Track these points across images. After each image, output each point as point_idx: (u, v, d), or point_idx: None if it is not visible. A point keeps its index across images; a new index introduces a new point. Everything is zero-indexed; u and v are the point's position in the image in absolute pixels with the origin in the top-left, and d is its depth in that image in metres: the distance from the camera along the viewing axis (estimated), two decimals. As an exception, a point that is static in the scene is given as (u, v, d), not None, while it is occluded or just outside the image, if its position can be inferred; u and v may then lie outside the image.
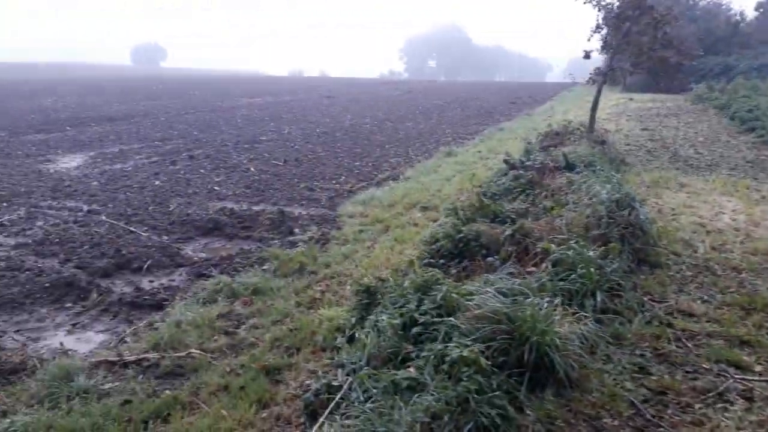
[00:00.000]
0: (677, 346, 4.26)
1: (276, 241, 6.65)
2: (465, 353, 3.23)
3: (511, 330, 3.58)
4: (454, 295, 3.92)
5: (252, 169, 10.65)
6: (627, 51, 11.35)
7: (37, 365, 4.27)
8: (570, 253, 4.67)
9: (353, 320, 4.39)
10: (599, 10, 11.97)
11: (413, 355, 3.53)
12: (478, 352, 3.23)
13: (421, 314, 3.78)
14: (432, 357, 3.38)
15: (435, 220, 7.11)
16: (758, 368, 3.93)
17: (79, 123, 17.39)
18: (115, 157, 11.70)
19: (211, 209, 8.00)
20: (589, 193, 6.06)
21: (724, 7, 34.23)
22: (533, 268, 4.69)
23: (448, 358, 3.28)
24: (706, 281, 5.45)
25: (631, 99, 25.42)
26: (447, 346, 3.43)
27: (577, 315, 4.08)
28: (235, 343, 4.45)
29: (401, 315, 3.80)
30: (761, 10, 36.45)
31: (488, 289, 3.91)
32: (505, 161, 8.79)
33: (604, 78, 12.21)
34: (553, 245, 4.86)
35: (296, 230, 7.21)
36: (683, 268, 5.78)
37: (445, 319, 3.69)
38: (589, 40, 11.89)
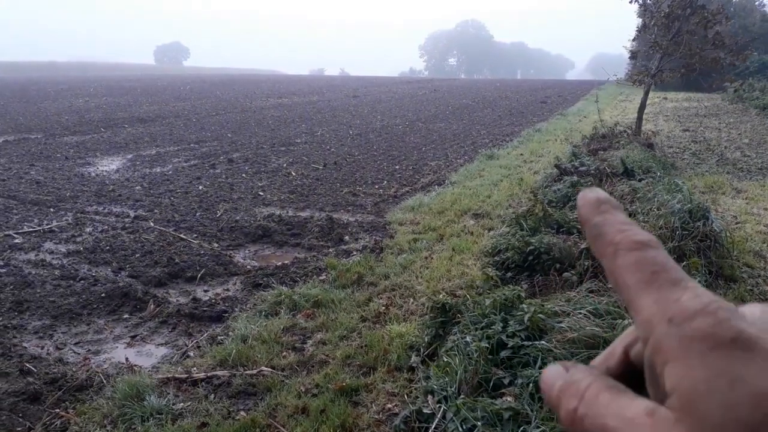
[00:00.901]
0: None
1: (330, 250, 6.51)
2: (568, 382, 3.04)
3: (609, 355, 3.38)
4: (541, 316, 3.73)
5: (293, 173, 10.54)
6: (677, 52, 11.02)
7: (103, 381, 4.19)
8: (652, 268, 4.44)
9: (427, 338, 4.23)
10: (645, 10, 11.65)
11: (505, 381, 3.36)
12: (582, 382, 3.05)
13: (508, 336, 3.61)
14: (529, 384, 3.20)
15: (490, 229, 6.92)
16: None
17: (113, 124, 17.48)
18: (153, 160, 11.68)
19: (258, 215, 7.89)
20: (658, 203, 5.81)
21: (758, 3, 33.41)
22: (613, 284, 4.48)
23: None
24: (787, 297, 5.20)
25: (665, 98, 24.93)
26: (538, 371, 3.26)
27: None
28: (305, 360, 4.31)
29: (488, 337, 3.62)
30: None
31: (580, 311, 3.72)
32: (556, 166, 8.55)
33: (653, 79, 11.89)
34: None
35: (346, 237, 7.08)
36: (759, 282, 5.53)
37: (537, 342, 3.51)
38: (634, 39, 11.55)
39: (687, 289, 0.30)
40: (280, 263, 6.40)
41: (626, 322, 3.70)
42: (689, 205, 5.69)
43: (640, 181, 7.33)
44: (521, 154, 11.82)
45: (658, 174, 7.46)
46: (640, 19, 36.65)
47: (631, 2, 12.03)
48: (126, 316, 5.24)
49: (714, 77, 16.67)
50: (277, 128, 17.25)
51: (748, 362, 0.27)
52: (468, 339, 3.66)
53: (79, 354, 4.68)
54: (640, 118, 12.20)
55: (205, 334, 4.88)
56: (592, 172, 7.73)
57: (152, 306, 5.38)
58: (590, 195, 0.36)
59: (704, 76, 18.08)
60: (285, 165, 11.33)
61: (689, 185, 9.17)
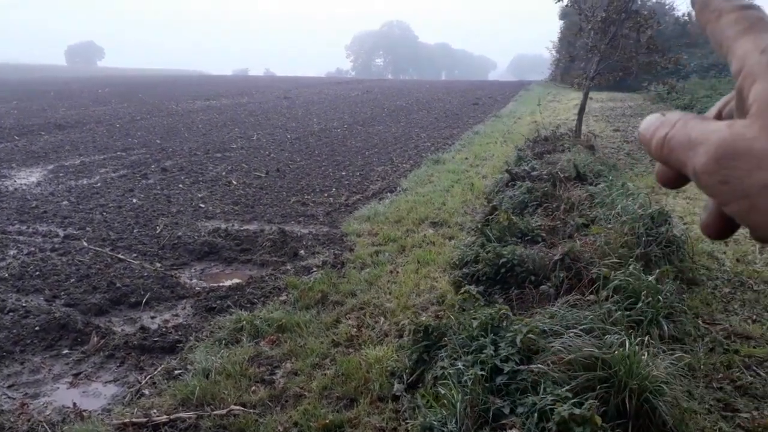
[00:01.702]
0: (751, 376, 4.06)
1: (288, 267, 6.14)
2: (577, 411, 2.89)
3: (608, 376, 3.26)
4: (531, 336, 3.57)
5: (234, 182, 10.03)
6: (614, 55, 11.33)
7: (48, 432, 3.69)
8: (631, 279, 4.40)
9: (409, 364, 3.99)
10: (581, 14, 11.91)
11: (505, 410, 3.16)
12: (594, 409, 2.90)
13: (502, 361, 3.42)
14: (532, 414, 3.02)
15: (450, 238, 6.77)
16: None
17: (27, 131, 16.15)
18: (78, 171, 10.81)
19: (202, 230, 7.39)
20: (620, 208, 5.83)
21: (668, 6, 35.28)
22: (592, 296, 4.40)
23: (555, 417, 2.92)
24: (747, 298, 5.31)
25: (591, 98, 25.77)
26: (543, 400, 3.09)
27: (648, 347, 3.81)
28: (277, 394, 3.97)
29: (481, 362, 3.42)
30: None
31: (572, 329, 3.58)
32: (507, 171, 8.53)
33: (592, 82, 12.17)
34: (606, 269, 4.58)
35: (301, 252, 6.73)
36: (718, 284, 5.64)
37: (532, 366, 3.33)
38: (571, 43, 11.76)
39: None
40: (232, 283, 5.99)
41: (616, 336, 3.59)
42: (650, 210, 5.74)
43: (592, 184, 7.39)
44: (466, 158, 11.79)
45: (610, 178, 7.55)
46: (562, 22, 37.80)
47: (567, 5, 12.26)
48: (65, 351, 4.70)
49: (648, 79, 17.37)
50: (209, 133, 16.52)
51: None
52: (460, 365, 3.45)
53: (14, 399, 4.13)
54: (580, 120, 12.48)
55: (159, 368, 4.43)
56: (545, 176, 7.74)
57: (95, 338, 4.85)
58: None
59: (640, 78, 18.85)
60: (224, 173, 10.78)
61: (633, 187, 9.41)
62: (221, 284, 6.01)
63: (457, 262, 5.59)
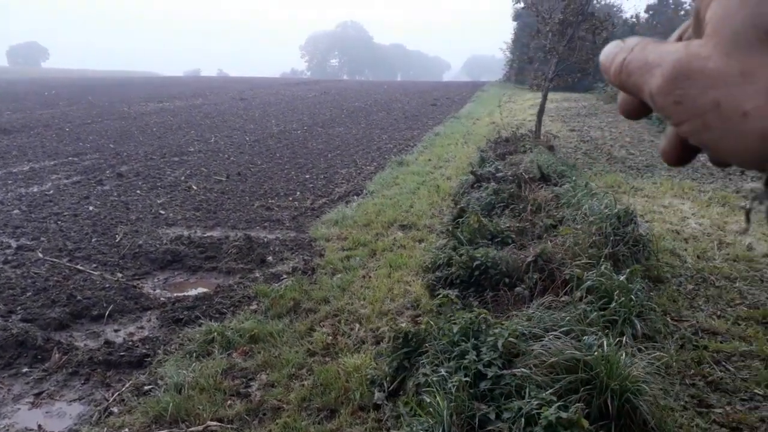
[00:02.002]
0: (721, 371, 4.17)
1: (257, 275, 6.00)
2: (564, 415, 2.89)
3: (590, 378, 3.29)
4: (512, 340, 3.57)
5: (194, 187, 9.77)
6: (572, 57, 11.56)
7: (9, 459, 3.49)
8: (603, 279, 4.47)
9: (389, 371, 3.94)
10: (538, 16, 12.11)
11: (491, 416, 3.15)
12: (580, 412, 2.91)
13: (485, 366, 3.40)
14: (519, 419, 3.01)
15: (420, 241, 6.75)
16: (811, 391, 3.90)
17: (-31, 136, 15.38)
18: (28, 178, 10.33)
19: (163, 238, 7.16)
20: (587, 208, 5.92)
21: (615, 8, 36.32)
22: (566, 297, 4.45)
23: (542, 421, 2.92)
24: (710, 294, 5.47)
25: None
26: (528, 404, 3.08)
27: (624, 346, 3.87)
28: (254, 408, 3.85)
29: (464, 368, 3.40)
30: (651, 12, 39.26)
31: (552, 332, 3.60)
32: (472, 173, 8.58)
33: (550, 83, 12.39)
34: (578, 270, 4.64)
35: (269, 258, 6.60)
36: (682, 281, 5.80)
37: (517, 370, 3.33)
38: (529, 45, 11.96)
39: None
40: (198, 292, 5.82)
41: (593, 338, 3.64)
42: (616, 210, 5.86)
43: (557, 185, 7.50)
44: (429, 160, 11.82)
45: (573, 178, 7.68)
46: (515, 23, 38.44)
47: (524, 8, 12.44)
48: (25, 369, 4.47)
49: (602, 79, 17.77)
50: (164, 136, 16.08)
51: None
52: (443, 372, 3.41)
53: (-30, 424, 3.89)
54: (539, 121, 12.68)
55: (128, 384, 4.25)
56: (510, 177, 7.81)
57: (57, 354, 4.63)
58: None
59: (595, 78, 19.26)
60: (183, 178, 10.49)
61: (595, 186, 9.61)
62: (187, 294, 5.83)
63: (430, 266, 5.58)
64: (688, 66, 0.34)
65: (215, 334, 4.69)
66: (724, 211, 8.20)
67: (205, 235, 7.35)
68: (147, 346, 4.74)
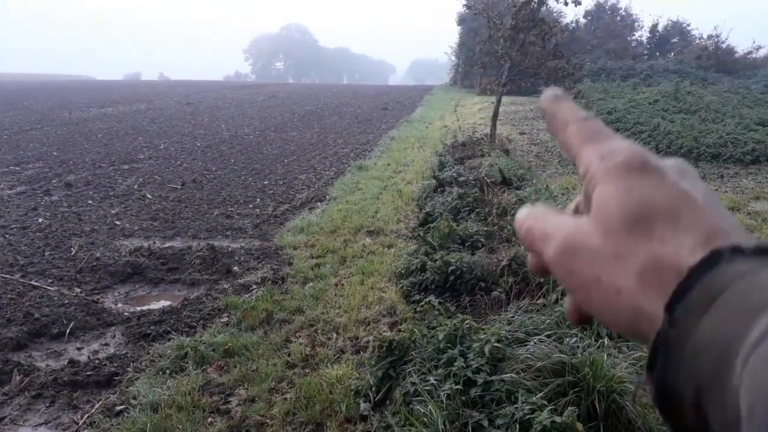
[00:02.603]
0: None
1: (226, 286, 5.85)
2: (558, 419, 2.94)
3: (577, 381, 3.35)
4: (498, 346, 3.61)
5: (148, 195, 9.45)
6: (525, 62, 11.82)
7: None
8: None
9: (373, 380, 3.90)
10: (489, 21, 12.34)
11: (484, 423, 3.17)
12: (573, 416, 2.96)
13: (474, 372, 3.42)
14: (513, 425, 3.04)
15: (389, 246, 6.74)
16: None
17: None
18: (-35, 189, 9.76)
19: (122, 250, 6.89)
20: (552, 212, 6.05)
21: (555, 14, 37.45)
22: (542, 300, 4.53)
23: (536, 426, 2.96)
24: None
25: (493, 102, 26.79)
26: (521, 409, 3.12)
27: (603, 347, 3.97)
28: (236, 424, 3.74)
29: (454, 375, 3.40)
30: (589, 17, 40.73)
31: (537, 335, 3.65)
32: (435, 177, 8.65)
33: (504, 87, 12.62)
34: (552, 273, 4.73)
35: (235, 268, 6.45)
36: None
37: (506, 376, 3.36)
38: (479, 50, 12.18)
39: (616, 139, 0.41)
40: (163, 306, 5.62)
41: (573, 340, 3.71)
42: (580, 213, 6.00)
43: (518, 189, 7.65)
44: (388, 165, 11.84)
45: (534, 181, 7.85)
46: (460, 27, 39.08)
47: (475, 13, 12.65)
48: (-17, 394, 4.20)
49: (548, 83, 18.24)
50: (110, 143, 15.50)
51: (646, 180, 0.37)
52: (432, 380, 3.41)
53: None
54: (494, 125, 12.90)
55: (97, 405, 4.06)
56: (472, 181, 7.91)
57: (17, 377, 4.38)
58: (549, 93, 0.48)
59: (547, 82, 19.69)
60: (136, 186, 10.14)
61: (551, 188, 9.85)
62: (151, 308, 5.63)
63: (403, 272, 5.58)
64: (574, 242, 0.38)
65: (188, 349, 4.54)
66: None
67: (166, 246, 7.12)
68: (115, 364, 4.55)
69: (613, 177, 0.37)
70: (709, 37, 34.55)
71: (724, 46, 33.51)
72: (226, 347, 4.60)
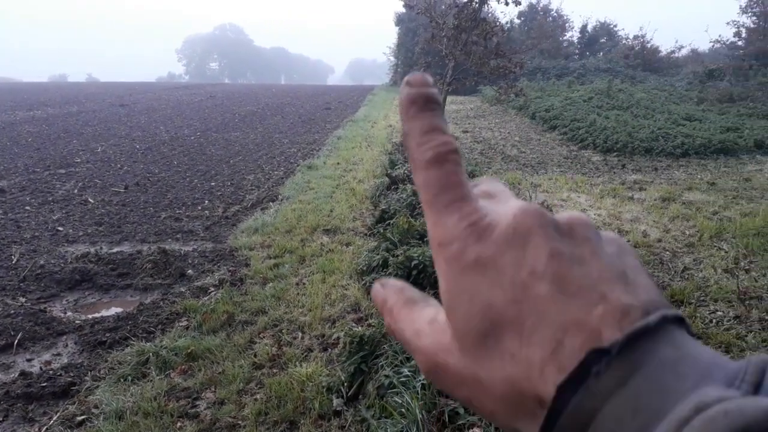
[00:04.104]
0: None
1: (182, 289, 5.71)
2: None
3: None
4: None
5: (91, 200, 9.08)
6: (468, 61, 12.05)
7: None
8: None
9: (344, 375, 3.92)
10: (431, 21, 12.52)
11: (458, 410, 3.24)
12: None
13: (447, 362, 3.48)
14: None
15: (347, 244, 6.75)
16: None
17: None
18: None
19: (68, 256, 6.61)
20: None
21: (490, 15, 38.35)
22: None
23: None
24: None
25: (435, 101, 27.10)
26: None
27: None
28: (207, 428, 3.68)
29: (427, 366, 3.46)
30: (522, 18, 41.95)
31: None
32: (387, 175, 8.71)
33: (449, 87, 12.82)
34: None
35: (189, 271, 6.30)
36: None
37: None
38: (421, 48, 12.33)
39: (454, 212, 0.32)
40: (115, 312, 5.44)
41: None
42: (533, 205, 6.20)
43: (470, 184, 7.80)
44: (338, 164, 11.82)
45: (484, 177, 8.02)
46: (398, 28, 39.37)
47: (417, 13, 12.81)
48: (-72, 412, 3.95)
49: (484, 82, 18.66)
50: (43, 147, 14.77)
51: (482, 279, 0.30)
52: (406, 371, 3.46)
53: None
54: (440, 123, 13.04)
55: (56, 417, 3.90)
56: (425, 178, 8.01)
57: (-36, 394, 4.13)
58: (404, 92, 0.36)
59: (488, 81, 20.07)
60: (76, 191, 9.72)
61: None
62: (104, 314, 5.43)
63: (365, 268, 5.61)
64: (437, 364, 0.32)
65: (149, 354, 4.41)
66: (616, 202, 8.96)
67: (114, 251, 6.87)
68: (71, 374, 4.37)
69: (451, 274, 0.31)
70: (635, 37, 36.26)
71: (649, 46, 35.23)
72: (189, 351, 4.51)
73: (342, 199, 8.65)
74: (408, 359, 3.62)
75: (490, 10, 34.31)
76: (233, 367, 4.29)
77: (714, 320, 4.99)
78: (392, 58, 48.49)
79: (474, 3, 11.71)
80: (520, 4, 11.60)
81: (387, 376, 3.55)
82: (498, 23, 12.31)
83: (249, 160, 12.73)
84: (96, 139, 16.32)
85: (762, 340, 4.58)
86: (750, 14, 28.73)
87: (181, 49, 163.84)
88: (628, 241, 7.06)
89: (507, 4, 11.51)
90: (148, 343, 4.60)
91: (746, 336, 4.66)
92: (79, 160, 12.73)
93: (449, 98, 26.77)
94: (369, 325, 4.29)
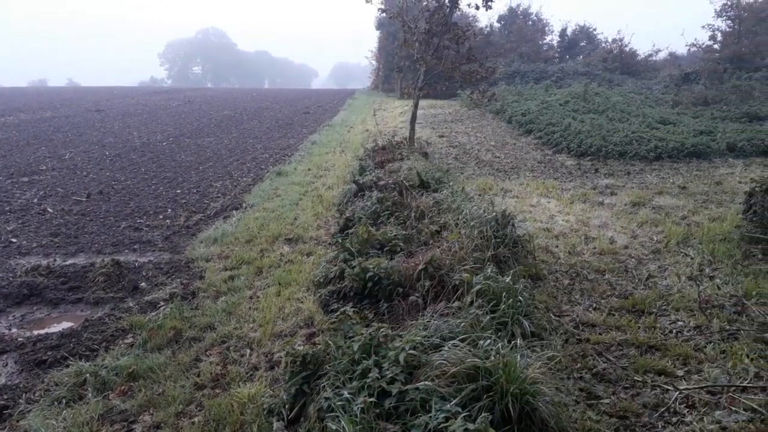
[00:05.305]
0: (603, 362, 4.44)
1: (130, 304, 5.50)
2: (471, 426, 2.90)
3: (491, 384, 3.34)
4: (413, 353, 3.54)
5: (49, 209, 8.81)
6: (440, 66, 11.95)
7: None
8: (490, 281, 4.59)
9: (286, 397, 3.74)
10: (404, 25, 12.41)
11: (399, 435, 3.08)
12: (487, 423, 2.93)
13: (389, 383, 3.33)
14: (428, 435, 2.97)
15: (308, 254, 6.58)
16: (680, 373, 4.27)
17: None
18: None
19: (17, 269, 6.38)
20: (468, 213, 6.10)
21: (471, 18, 38.33)
22: (457, 303, 4.51)
23: (452, 435, 2.90)
24: (585, 288, 5.85)
25: (413, 106, 27.07)
26: (435, 418, 3.06)
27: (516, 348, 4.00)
28: (139, 456, 3.49)
29: (367, 387, 3.30)
30: (502, 22, 41.99)
31: (452, 341, 3.62)
32: (355, 182, 8.55)
33: (420, 92, 12.71)
34: (467, 275, 4.74)
35: (142, 284, 6.10)
36: (558, 276, 6.15)
37: (420, 384, 3.29)
38: (398, 54, 12.22)
39: None
40: (63, 328, 5.22)
41: (488, 343, 3.70)
42: (494, 213, 6.09)
43: (436, 191, 7.68)
44: (309, 170, 11.64)
45: (450, 183, 7.90)
46: (379, 32, 39.29)
47: (390, 18, 12.68)
48: None
49: (464, 86, 18.56)
50: (9, 154, 14.42)
51: None
52: (346, 393, 3.30)
53: None
54: (413, 129, 12.97)
55: (-17, 446, 3.69)
56: (392, 185, 7.88)
57: None
58: None
59: (461, 85, 20.00)
60: (36, 200, 9.44)
61: (471, 191, 9.99)
62: (50, 331, 5.21)
63: (322, 280, 5.45)
64: None
65: (87, 375, 4.21)
66: (585, 208, 8.88)
67: (67, 263, 6.65)
68: (5, 396, 4.16)
69: None
70: (614, 40, 36.42)
71: (627, 49, 35.42)
72: (130, 370, 4.31)
73: (308, 206, 8.48)
74: (350, 380, 3.46)
75: (466, 14, 34.39)
76: (174, 388, 4.10)
77: (674, 330, 4.90)
78: (374, 62, 48.35)
79: (445, 8, 11.62)
80: (491, 7, 11.54)
81: (327, 399, 3.38)
82: (470, 28, 12.22)
83: (219, 167, 12.50)
84: (66, 145, 16.00)
85: (721, 352, 4.49)
86: (725, 18, 28.95)
87: (163, 54, 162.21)
88: (594, 248, 6.97)
89: (477, 8, 11.43)
90: (88, 363, 4.40)
91: (705, 347, 4.57)
92: (44, 168, 12.42)
93: (426, 102, 26.74)
94: (314, 344, 4.12)
